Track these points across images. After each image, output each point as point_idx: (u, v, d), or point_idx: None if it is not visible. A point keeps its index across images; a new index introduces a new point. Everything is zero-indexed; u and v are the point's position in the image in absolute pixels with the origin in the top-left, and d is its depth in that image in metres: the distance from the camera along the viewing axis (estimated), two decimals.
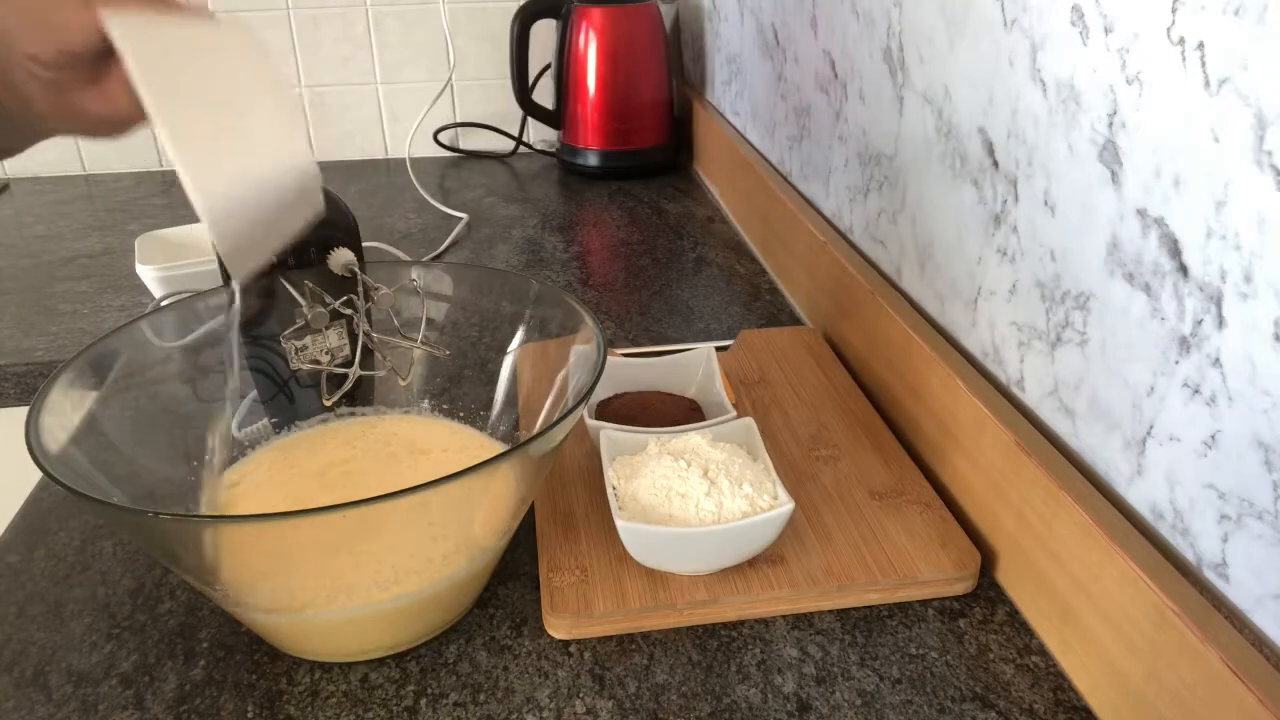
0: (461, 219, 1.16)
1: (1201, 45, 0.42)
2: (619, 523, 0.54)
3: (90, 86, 0.45)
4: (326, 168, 0.56)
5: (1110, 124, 0.48)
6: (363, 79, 1.42)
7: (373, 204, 1.28)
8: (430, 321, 0.62)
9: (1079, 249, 0.52)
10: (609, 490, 0.58)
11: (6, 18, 0.43)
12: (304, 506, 0.54)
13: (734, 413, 0.65)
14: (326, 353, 0.59)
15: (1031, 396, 0.58)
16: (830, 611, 0.56)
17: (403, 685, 0.52)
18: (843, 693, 0.51)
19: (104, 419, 0.55)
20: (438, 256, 1.10)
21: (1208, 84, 0.41)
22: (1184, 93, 0.43)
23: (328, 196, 0.52)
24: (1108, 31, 0.48)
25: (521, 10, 1.32)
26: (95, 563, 0.61)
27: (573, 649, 0.54)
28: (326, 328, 0.59)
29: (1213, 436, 0.43)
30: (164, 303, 0.90)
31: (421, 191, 1.25)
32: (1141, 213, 0.46)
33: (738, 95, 1.22)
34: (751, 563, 0.57)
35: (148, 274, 0.90)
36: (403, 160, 1.24)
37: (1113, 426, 0.50)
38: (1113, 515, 0.49)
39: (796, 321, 0.93)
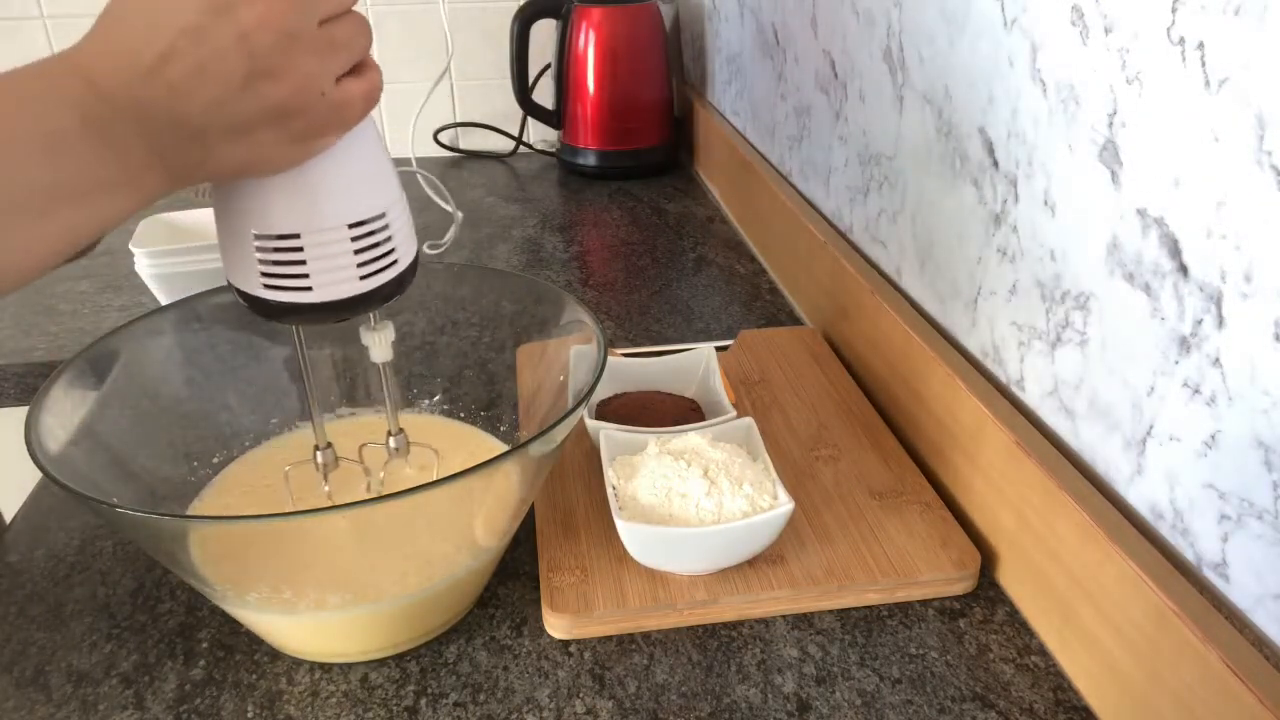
0: (456, 216, 1.16)
1: (1201, 45, 0.42)
2: (619, 523, 0.54)
3: None
4: None
5: (1110, 124, 0.48)
6: None
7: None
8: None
9: (1079, 249, 0.52)
10: (609, 490, 0.58)
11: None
12: (303, 506, 0.54)
13: (734, 413, 0.65)
14: None
15: (1031, 396, 0.58)
16: (830, 611, 0.56)
17: (403, 685, 0.52)
18: (843, 693, 0.51)
19: (104, 419, 0.55)
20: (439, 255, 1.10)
21: (1208, 84, 0.41)
22: (1184, 93, 0.43)
23: None
24: (1108, 31, 0.48)
25: (521, 10, 1.32)
26: (95, 563, 0.61)
27: (573, 649, 0.54)
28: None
29: (1213, 436, 0.43)
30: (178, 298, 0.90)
31: (425, 188, 1.25)
32: (1141, 213, 0.46)
33: (738, 95, 1.22)
34: (751, 563, 0.57)
35: (140, 257, 0.90)
36: (404, 160, 1.25)
37: (1113, 426, 0.50)
38: (1113, 515, 0.49)
39: (796, 321, 0.93)
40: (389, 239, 0.46)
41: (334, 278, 0.45)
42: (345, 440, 0.58)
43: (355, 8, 0.42)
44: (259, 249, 0.44)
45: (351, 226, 0.44)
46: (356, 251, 0.45)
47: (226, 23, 0.37)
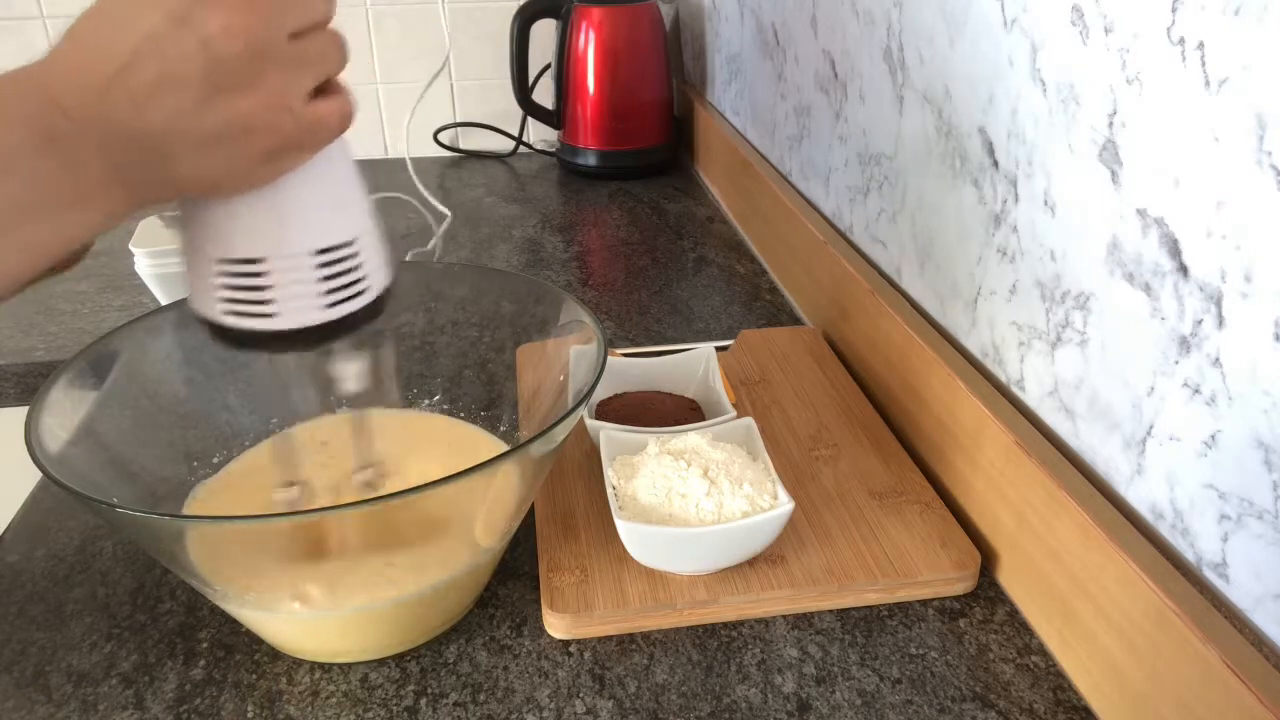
0: (445, 215, 1.16)
1: (1201, 45, 0.42)
2: (619, 523, 0.54)
3: None
4: None
5: (1110, 124, 0.48)
6: (362, 79, 1.42)
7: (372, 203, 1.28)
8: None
9: (1079, 249, 0.52)
10: (609, 490, 0.58)
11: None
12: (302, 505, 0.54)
13: (734, 413, 0.65)
14: None
15: (1031, 396, 0.58)
16: (830, 611, 0.56)
17: (403, 685, 0.52)
18: (843, 693, 0.51)
19: (104, 419, 0.55)
20: (435, 257, 1.10)
21: (1208, 84, 0.41)
22: (1184, 93, 0.43)
23: None
24: (1108, 31, 0.48)
25: (521, 10, 1.32)
26: (95, 563, 0.61)
27: (573, 649, 0.54)
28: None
29: (1213, 436, 0.43)
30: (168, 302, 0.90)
31: (422, 189, 1.25)
32: (1141, 213, 0.46)
33: (738, 95, 1.22)
34: (751, 563, 0.57)
35: (140, 257, 0.90)
36: (402, 160, 1.24)
37: (1113, 426, 0.50)
38: (1113, 515, 0.49)
39: (796, 321, 0.93)
40: (358, 266, 0.44)
41: (299, 305, 0.43)
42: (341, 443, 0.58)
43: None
44: (221, 273, 0.42)
45: (319, 253, 0.43)
46: (323, 279, 0.43)
47: (188, 31, 0.36)
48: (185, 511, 0.58)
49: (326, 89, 0.41)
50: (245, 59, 0.37)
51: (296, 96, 0.39)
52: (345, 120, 0.41)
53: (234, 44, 0.36)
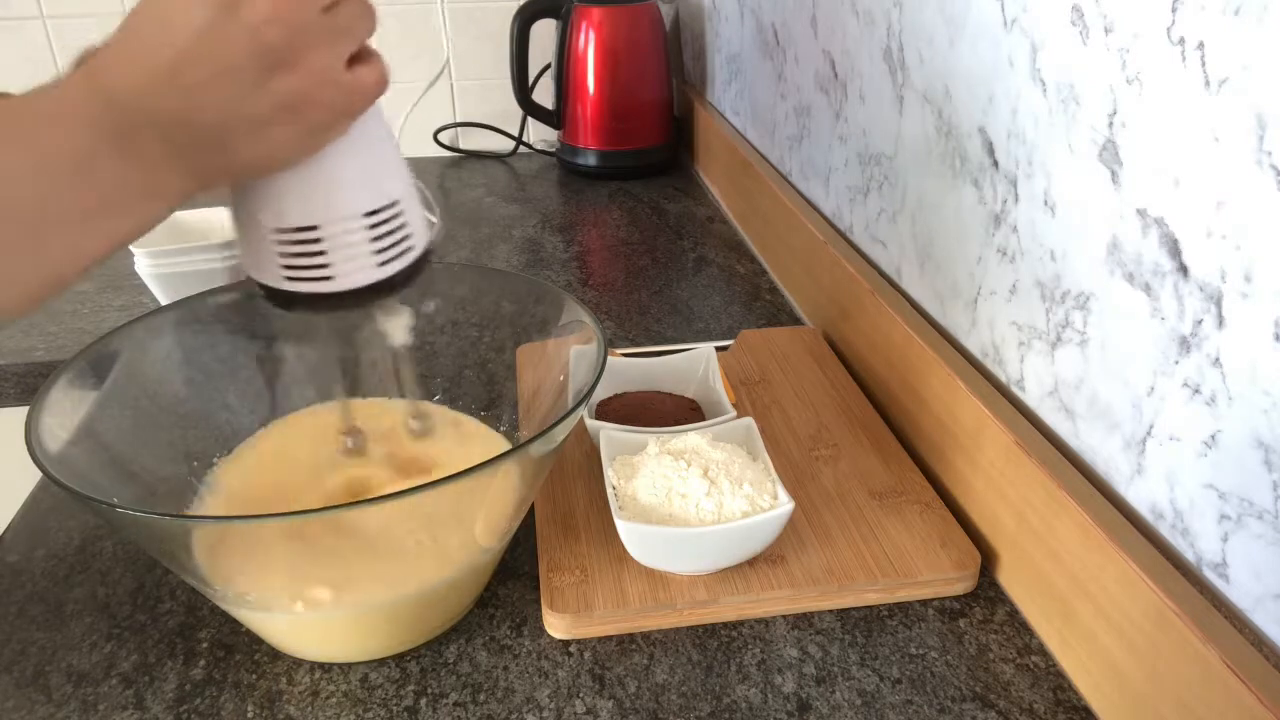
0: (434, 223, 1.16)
1: (1201, 45, 0.42)
2: (619, 523, 0.54)
3: None
4: None
5: (1110, 124, 0.48)
6: None
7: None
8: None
9: (1079, 249, 0.52)
10: (609, 490, 0.58)
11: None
12: (302, 505, 0.54)
13: (734, 413, 0.65)
14: None
15: (1031, 396, 0.58)
16: (830, 611, 0.56)
17: (403, 685, 0.52)
18: (843, 693, 0.51)
19: (104, 419, 0.55)
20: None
21: (1208, 84, 0.41)
22: (1184, 93, 0.43)
23: None
24: (1108, 31, 0.48)
25: (521, 10, 1.32)
26: (95, 563, 0.61)
27: (573, 649, 0.54)
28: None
29: (1213, 436, 0.43)
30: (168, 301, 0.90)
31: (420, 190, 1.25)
32: (1141, 213, 0.46)
33: (738, 95, 1.22)
34: (751, 563, 0.57)
35: (140, 257, 0.90)
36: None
37: (1113, 426, 0.50)
38: (1113, 515, 0.49)
39: (796, 321, 0.93)
40: (404, 225, 0.47)
41: (353, 266, 0.46)
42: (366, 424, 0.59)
43: None
44: (279, 242, 0.45)
45: (368, 215, 0.45)
46: (374, 239, 0.46)
47: (235, 21, 0.37)
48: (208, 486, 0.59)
49: (360, 55, 0.42)
50: (288, 40, 0.38)
51: (338, 67, 0.41)
52: (383, 83, 0.43)
53: (276, 28, 0.38)
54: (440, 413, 0.66)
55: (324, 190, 0.44)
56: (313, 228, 0.44)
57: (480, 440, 0.64)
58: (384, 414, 0.64)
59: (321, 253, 0.45)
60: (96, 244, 0.40)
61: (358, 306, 0.47)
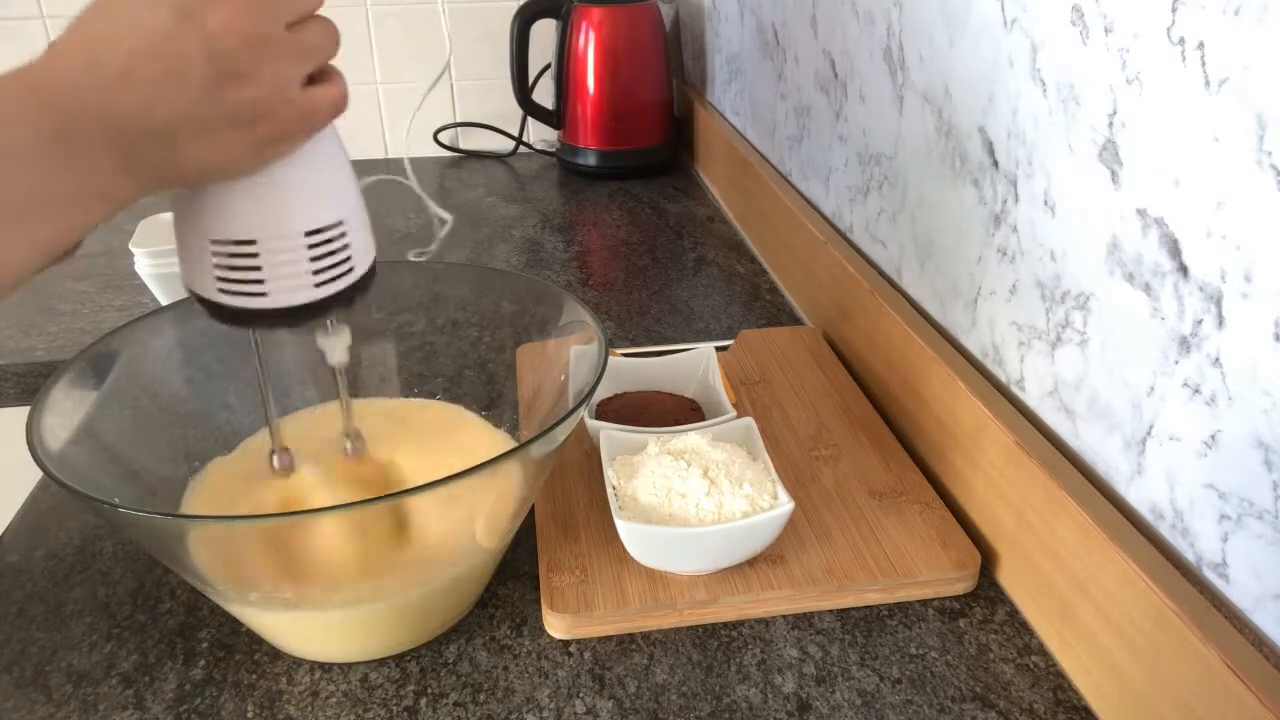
0: (447, 220, 1.16)
1: (1201, 45, 0.42)
2: (619, 523, 0.54)
3: None
4: None
5: (1110, 124, 0.48)
6: (362, 79, 1.42)
7: (371, 204, 1.28)
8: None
9: (1079, 249, 0.52)
10: (609, 490, 0.58)
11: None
12: (301, 504, 0.54)
13: (734, 413, 0.65)
14: None
15: (1031, 396, 0.58)
16: (830, 611, 0.56)
17: (403, 685, 0.52)
18: (843, 693, 0.51)
19: (104, 419, 0.55)
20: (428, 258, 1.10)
21: (1208, 84, 0.41)
22: (1184, 93, 0.43)
23: None
24: (1108, 31, 0.48)
25: (521, 10, 1.32)
26: (95, 563, 0.61)
27: (573, 649, 0.54)
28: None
29: (1213, 436, 0.43)
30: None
31: (418, 191, 1.25)
32: (1141, 213, 0.46)
33: (738, 95, 1.22)
34: (751, 563, 0.57)
35: (140, 257, 0.90)
36: (401, 160, 1.25)
37: (1113, 426, 0.50)
38: (1113, 515, 0.49)
39: (796, 321, 0.93)
40: (345, 247, 0.46)
41: (289, 284, 0.45)
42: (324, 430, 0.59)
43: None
44: (215, 254, 0.44)
45: (309, 234, 0.44)
46: (313, 259, 0.45)
47: (193, 27, 0.37)
48: (192, 487, 0.59)
49: (320, 75, 0.42)
50: (246, 51, 0.38)
51: (294, 85, 0.40)
52: (339, 105, 0.43)
53: (235, 38, 0.37)
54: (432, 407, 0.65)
55: (266, 205, 0.43)
56: (250, 242, 0.43)
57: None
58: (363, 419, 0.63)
59: (257, 268, 0.44)
60: (30, 245, 0.38)
61: (291, 325, 0.46)
